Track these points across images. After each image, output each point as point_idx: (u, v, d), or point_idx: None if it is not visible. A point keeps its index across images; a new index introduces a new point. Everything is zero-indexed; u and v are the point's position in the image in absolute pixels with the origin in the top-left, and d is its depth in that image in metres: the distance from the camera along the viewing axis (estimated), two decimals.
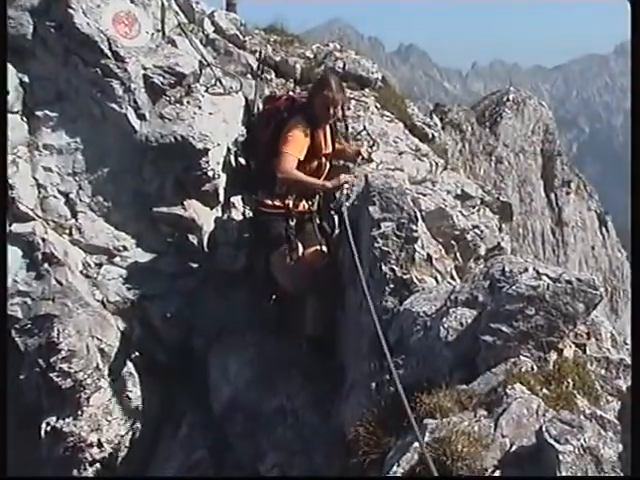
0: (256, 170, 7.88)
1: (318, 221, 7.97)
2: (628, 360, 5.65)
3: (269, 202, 7.66)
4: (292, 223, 7.61)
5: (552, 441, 4.13)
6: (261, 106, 8.74)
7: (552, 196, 28.60)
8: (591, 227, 30.59)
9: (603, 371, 5.44)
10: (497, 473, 4.30)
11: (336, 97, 7.43)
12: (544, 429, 4.26)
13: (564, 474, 4.00)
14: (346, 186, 7.50)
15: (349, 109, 8.68)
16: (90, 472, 8.17)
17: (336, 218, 7.86)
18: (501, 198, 10.63)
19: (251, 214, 8.42)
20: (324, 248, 7.78)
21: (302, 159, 7.35)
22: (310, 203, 7.81)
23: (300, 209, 7.73)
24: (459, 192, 9.25)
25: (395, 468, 4.85)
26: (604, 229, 31.46)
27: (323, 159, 7.72)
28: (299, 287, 7.71)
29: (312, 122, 7.44)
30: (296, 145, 7.28)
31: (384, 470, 5.02)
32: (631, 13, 1.51)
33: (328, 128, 7.78)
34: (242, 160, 8.38)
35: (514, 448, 4.46)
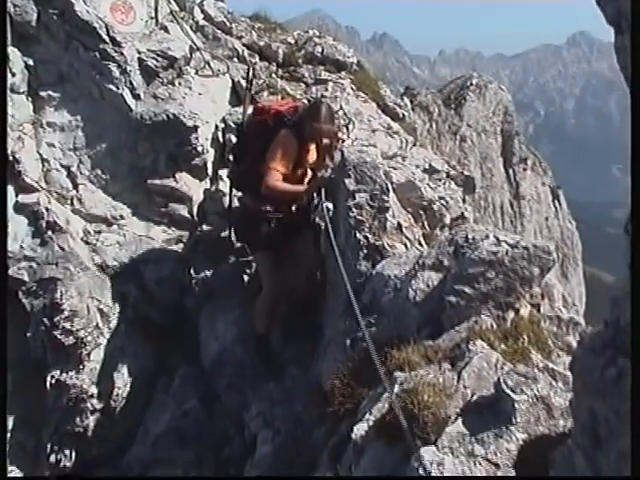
0: (245, 174, 7.71)
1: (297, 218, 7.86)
2: (577, 319, 5.70)
3: (253, 205, 7.56)
4: (273, 225, 7.52)
5: (509, 391, 4.16)
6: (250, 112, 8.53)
7: (510, 172, 28.69)
8: (545, 200, 30.72)
9: (555, 328, 5.47)
10: (459, 420, 4.32)
11: (325, 129, 7.21)
12: (502, 380, 4.28)
13: (519, 420, 4.03)
14: (323, 204, 7.32)
15: (338, 138, 8.49)
16: (91, 420, 8.20)
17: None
18: (465, 172, 10.62)
19: (238, 212, 8.25)
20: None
21: (287, 172, 7.20)
22: (289, 207, 7.68)
23: (280, 211, 7.58)
24: (427, 166, 9.23)
25: (367, 416, 4.88)
26: (557, 202, 31.61)
27: (308, 169, 7.60)
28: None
29: (300, 137, 7.24)
30: (282, 160, 7.12)
31: (357, 418, 5.04)
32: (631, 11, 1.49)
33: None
34: (232, 160, 8.22)
35: (475, 398, 4.48)
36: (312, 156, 7.56)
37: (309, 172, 7.65)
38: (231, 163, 8.43)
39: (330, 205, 7.26)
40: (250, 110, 8.33)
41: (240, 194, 7.98)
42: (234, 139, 8.71)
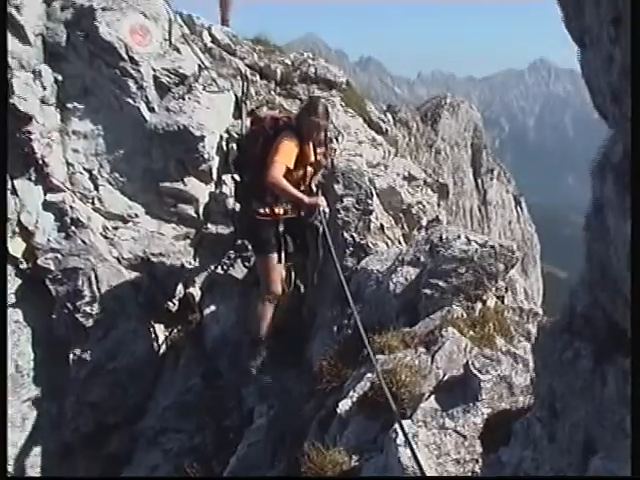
0: (249, 183, 7.34)
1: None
2: (536, 309, 5.76)
3: (262, 210, 7.14)
4: (281, 228, 7.21)
5: (476, 372, 4.21)
6: (248, 125, 8.39)
7: (479, 181, 28.76)
8: (509, 206, 30.84)
9: (517, 318, 5.53)
10: (432, 397, 4.36)
11: (321, 123, 7.03)
12: (470, 362, 4.33)
13: (484, 397, 4.07)
14: (321, 207, 7.01)
15: (331, 132, 8.26)
16: (107, 392, 8.21)
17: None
18: (439, 180, 10.63)
19: (243, 221, 7.78)
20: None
21: (291, 167, 6.86)
22: (297, 210, 7.28)
23: (289, 215, 7.26)
24: (406, 175, 9.23)
25: (351, 393, 4.93)
26: (519, 208, 31.74)
27: (308, 167, 7.23)
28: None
29: (299, 136, 6.96)
30: (286, 155, 6.79)
31: (342, 394, 5.08)
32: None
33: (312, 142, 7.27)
34: (236, 177, 7.94)
35: (446, 377, 4.53)
36: (311, 155, 7.21)
37: (310, 173, 7.31)
38: (234, 179, 8.15)
39: (327, 209, 7.14)
40: (248, 122, 8.29)
41: (246, 204, 7.48)
42: (238, 140, 8.57)
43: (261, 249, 7.32)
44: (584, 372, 1.95)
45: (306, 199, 7.00)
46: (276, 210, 7.15)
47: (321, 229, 6.91)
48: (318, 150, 7.29)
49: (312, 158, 7.25)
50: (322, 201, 7.07)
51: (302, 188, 7.17)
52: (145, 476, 7.54)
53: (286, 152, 6.82)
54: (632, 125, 1.59)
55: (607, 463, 1.85)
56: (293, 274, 7.80)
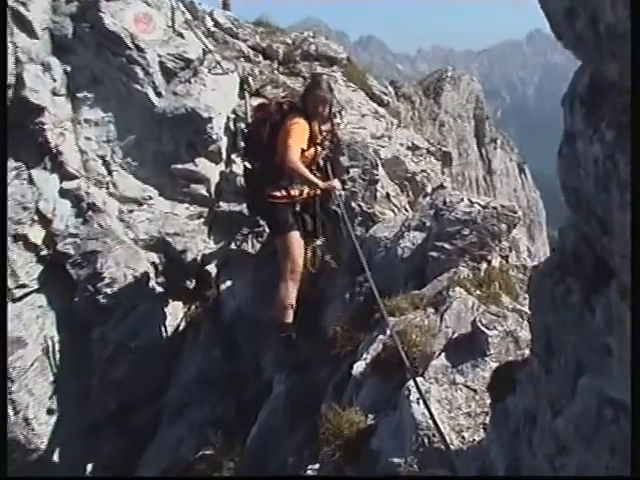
0: (262, 170, 7.15)
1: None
2: None
3: (277, 194, 6.96)
4: (298, 208, 7.05)
5: (483, 328, 4.23)
6: (253, 110, 8.25)
7: (483, 151, 28.68)
8: (513, 174, 30.80)
9: (521, 276, 5.54)
10: (442, 355, 4.38)
11: (327, 97, 6.94)
12: (477, 320, 4.35)
13: (492, 352, 4.09)
14: (337, 191, 6.90)
15: (334, 107, 8.09)
16: (131, 370, 8.27)
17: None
18: (442, 148, 10.59)
19: (257, 207, 7.58)
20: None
21: (305, 148, 6.77)
22: (312, 189, 7.08)
23: (304, 196, 7.07)
24: (410, 144, 9.22)
25: (365, 355, 4.96)
26: (523, 175, 31.69)
27: (318, 147, 7.08)
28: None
29: (306, 117, 6.85)
30: (299, 137, 6.70)
31: (356, 357, 5.11)
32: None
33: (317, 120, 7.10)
34: (247, 164, 7.78)
35: (455, 335, 4.56)
36: (319, 135, 7.08)
37: (318, 149, 7.09)
38: (245, 167, 7.99)
39: (342, 192, 7.04)
40: (255, 104, 8.24)
41: (259, 190, 7.21)
42: (243, 129, 8.48)
43: (280, 230, 7.11)
44: (574, 306, 1.97)
45: (321, 184, 6.90)
46: (292, 192, 7.00)
47: (339, 212, 6.84)
48: (324, 127, 7.22)
49: (320, 136, 7.14)
50: (337, 184, 7.00)
51: (313, 167, 7.06)
52: (149, 476, 7.57)
53: (298, 134, 6.73)
54: (632, 126, 1.58)
55: (593, 380, 1.92)
56: (320, 253, 7.66)
